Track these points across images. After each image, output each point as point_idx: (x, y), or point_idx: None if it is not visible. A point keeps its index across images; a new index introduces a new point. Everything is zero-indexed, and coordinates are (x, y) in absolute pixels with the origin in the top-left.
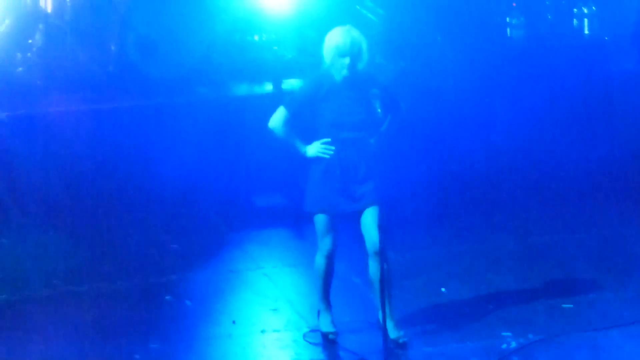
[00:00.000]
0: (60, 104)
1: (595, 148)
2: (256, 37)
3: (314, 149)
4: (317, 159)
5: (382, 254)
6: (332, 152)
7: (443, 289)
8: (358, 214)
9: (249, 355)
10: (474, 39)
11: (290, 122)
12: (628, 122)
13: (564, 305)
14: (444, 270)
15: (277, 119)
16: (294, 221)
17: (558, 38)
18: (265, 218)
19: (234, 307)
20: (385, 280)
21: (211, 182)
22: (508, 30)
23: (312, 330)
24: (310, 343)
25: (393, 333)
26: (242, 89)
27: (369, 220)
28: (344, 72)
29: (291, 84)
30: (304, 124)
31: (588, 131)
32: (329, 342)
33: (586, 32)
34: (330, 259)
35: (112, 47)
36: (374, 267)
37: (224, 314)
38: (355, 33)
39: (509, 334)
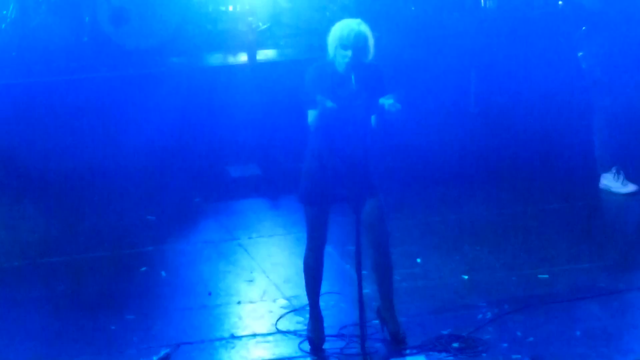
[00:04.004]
0: (35, 75)
1: (570, 118)
2: (230, 8)
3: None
4: (312, 148)
5: (385, 246)
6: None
7: (418, 260)
8: (355, 206)
9: (225, 326)
10: (448, 9)
11: None
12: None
13: (540, 276)
14: (419, 241)
15: (314, 120)
16: (269, 192)
17: (532, 8)
18: (240, 189)
19: (209, 278)
20: (387, 273)
21: (186, 152)
22: (482, 0)
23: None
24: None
25: (393, 326)
26: (216, 59)
27: (372, 213)
28: (346, 65)
29: (265, 54)
30: None
31: (563, 101)
32: (315, 348)
33: (560, 2)
34: (319, 254)
35: (86, 18)
36: (376, 259)
37: (199, 285)
38: (363, 27)
39: (484, 304)
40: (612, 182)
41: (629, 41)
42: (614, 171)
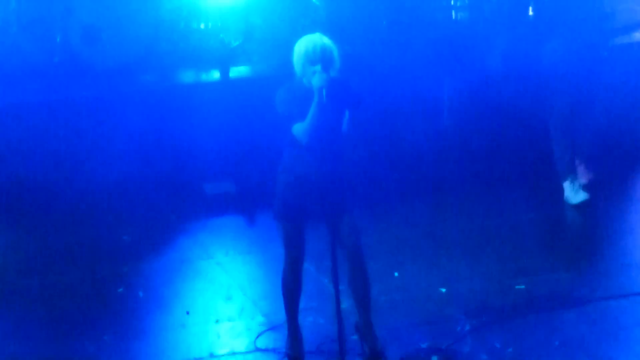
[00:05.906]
0: (6, 95)
1: (543, 130)
2: (202, 25)
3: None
4: (286, 164)
5: (360, 261)
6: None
7: (395, 273)
8: (330, 221)
9: (203, 345)
10: (419, 22)
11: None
12: (574, 103)
13: (517, 287)
14: (396, 254)
15: (300, 132)
16: (245, 209)
17: (503, 19)
18: (215, 206)
19: (187, 297)
20: (364, 287)
21: (160, 171)
22: (453, 12)
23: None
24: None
25: (372, 341)
26: (188, 77)
27: (346, 228)
28: (317, 81)
29: (238, 71)
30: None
31: (535, 113)
32: None
33: (530, 13)
34: (297, 271)
35: (58, 38)
36: (352, 275)
37: (177, 304)
38: (326, 40)
39: (462, 316)
40: (568, 193)
41: (587, 42)
42: (570, 180)
